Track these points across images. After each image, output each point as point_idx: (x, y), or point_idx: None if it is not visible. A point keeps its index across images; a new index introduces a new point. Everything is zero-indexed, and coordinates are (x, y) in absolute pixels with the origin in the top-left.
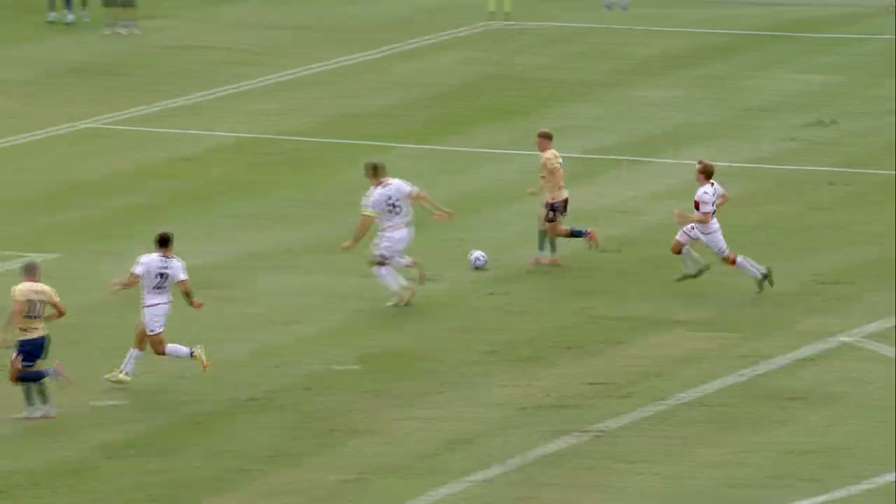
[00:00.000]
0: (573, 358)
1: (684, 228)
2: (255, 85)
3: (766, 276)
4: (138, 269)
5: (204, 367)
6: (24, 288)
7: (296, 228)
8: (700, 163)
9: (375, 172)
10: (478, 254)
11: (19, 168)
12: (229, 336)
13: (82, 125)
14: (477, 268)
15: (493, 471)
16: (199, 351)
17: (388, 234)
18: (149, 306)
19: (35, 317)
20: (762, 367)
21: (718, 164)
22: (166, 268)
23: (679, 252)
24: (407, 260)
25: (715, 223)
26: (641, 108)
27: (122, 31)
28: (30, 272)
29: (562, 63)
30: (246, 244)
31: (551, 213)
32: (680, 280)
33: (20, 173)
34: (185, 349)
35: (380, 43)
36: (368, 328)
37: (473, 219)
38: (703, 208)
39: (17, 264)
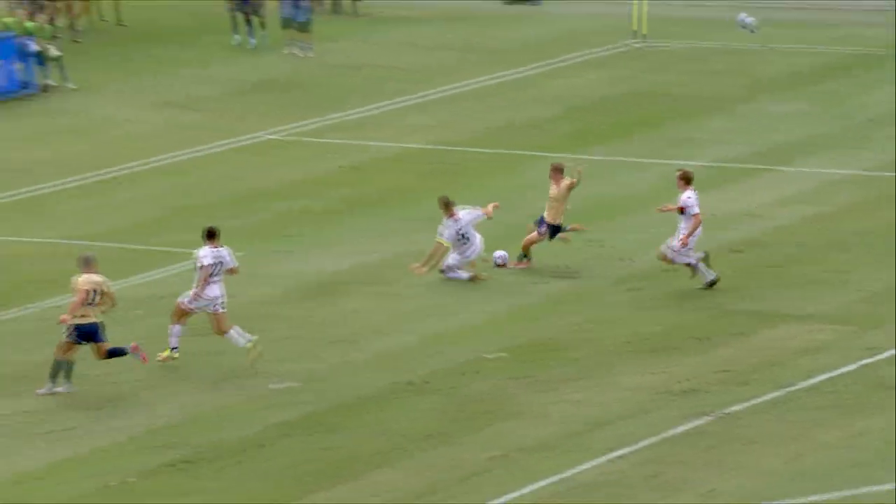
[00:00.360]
0: (702, 348)
1: (668, 244)
2: (416, 100)
3: (713, 283)
4: (205, 261)
5: (255, 356)
6: (84, 279)
7: None
8: (680, 170)
9: (447, 207)
10: (500, 253)
11: (207, 175)
12: (392, 327)
13: (262, 137)
14: (498, 265)
15: (629, 449)
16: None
17: (460, 255)
18: (197, 294)
19: (91, 304)
20: (875, 358)
21: (840, 173)
22: (220, 257)
23: (666, 261)
24: (468, 274)
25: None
26: (767, 121)
27: (299, 52)
28: (88, 264)
29: (695, 80)
30: (407, 245)
31: (543, 229)
32: (706, 287)
33: (208, 180)
34: (247, 338)
35: (530, 62)
36: (516, 321)
37: (611, 222)
38: (690, 211)
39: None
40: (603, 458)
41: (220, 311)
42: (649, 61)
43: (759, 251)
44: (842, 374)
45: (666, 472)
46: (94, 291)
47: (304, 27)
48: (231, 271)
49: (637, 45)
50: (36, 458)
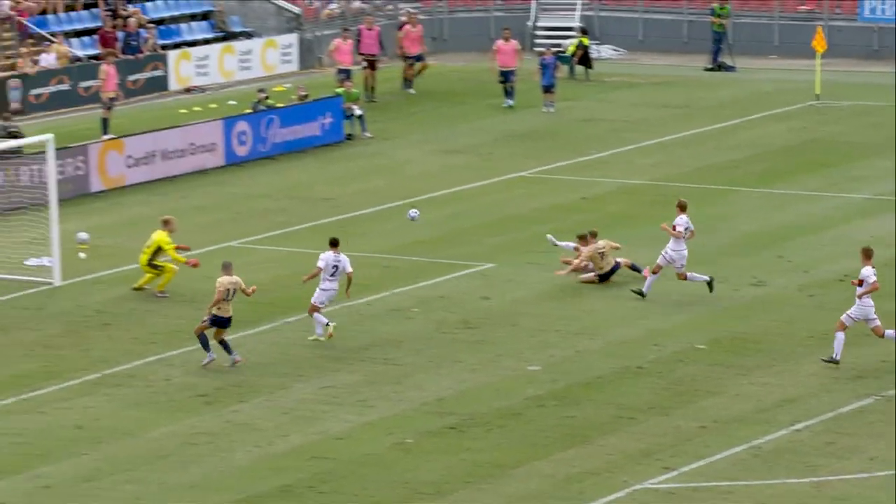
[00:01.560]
0: (868, 342)
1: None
2: (638, 146)
3: (709, 282)
4: (321, 263)
5: (329, 336)
6: (224, 280)
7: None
8: (679, 200)
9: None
10: (412, 212)
11: (477, 204)
12: (620, 323)
13: (518, 174)
14: (412, 219)
15: (807, 423)
16: (331, 327)
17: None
18: (323, 289)
19: (228, 300)
20: None
21: None
22: (339, 261)
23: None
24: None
25: (683, 245)
26: None
27: (551, 109)
28: (227, 268)
29: (861, 130)
30: (634, 259)
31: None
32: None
33: (477, 208)
34: (324, 319)
35: (728, 117)
36: (719, 320)
37: (792, 241)
38: (678, 229)
39: (469, 272)
40: (786, 430)
41: (326, 301)
42: (825, 116)
43: None
44: None
45: (837, 442)
46: (231, 290)
47: (549, 90)
48: (348, 276)
49: (815, 104)
50: (342, 423)
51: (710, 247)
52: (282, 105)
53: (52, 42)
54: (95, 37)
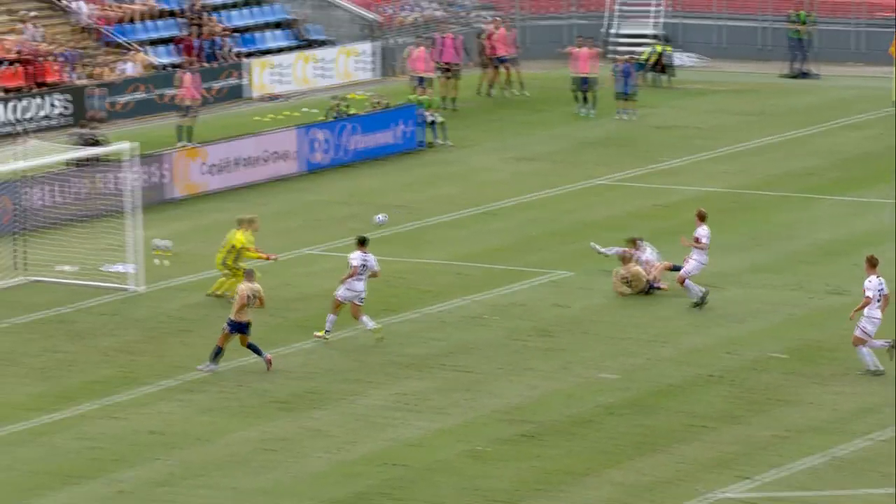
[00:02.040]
0: None
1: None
2: (715, 154)
3: (704, 297)
4: (354, 262)
5: (379, 336)
6: (244, 287)
7: (742, 255)
8: (698, 210)
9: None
10: (379, 216)
11: (554, 211)
12: (694, 330)
13: (594, 182)
14: (379, 223)
15: (886, 432)
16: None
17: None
18: (348, 288)
19: (247, 306)
20: None
21: None
22: (366, 260)
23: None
24: None
25: (706, 256)
26: None
27: (626, 117)
28: (249, 276)
29: None
30: (709, 265)
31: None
32: (694, 306)
33: (554, 215)
34: (372, 324)
35: (805, 124)
36: (794, 327)
37: (869, 250)
38: (702, 241)
39: (542, 280)
40: (862, 439)
41: (359, 303)
42: None
43: None
44: None
45: None
46: (252, 296)
47: (629, 97)
48: (374, 274)
49: (891, 111)
50: (414, 430)
51: (786, 254)
52: (358, 112)
53: (133, 51)
54: (175, 45)
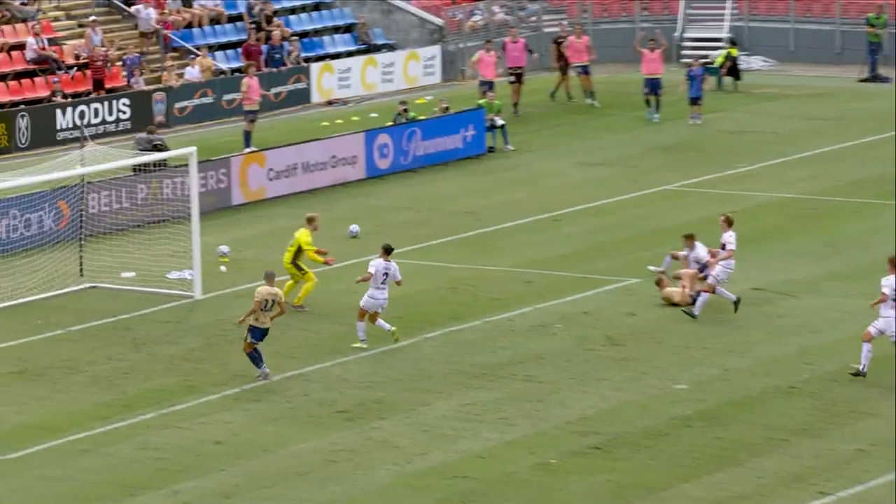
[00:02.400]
0: None
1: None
2: (789, 159)
3: (736, 302)
4: (371, 269)
5: (395, 338)
6: (263, 290)
7: (819, 263)
8: (724, 215)
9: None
10: (353, 227)
11: (621, 218)
12: (771, 340)
13: (665, 188)
14: (353, 236)
15: None
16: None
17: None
18: (370, 296)
19: (266, 310)
20: None
21: None
22: (388, 269)
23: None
24: None
25: (732, 263)
26: None
27: (695, 121)
28: (269, 279)
29: None
30: (784, 273)
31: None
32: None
33: (622, 221)
34: (388, 326)
35: (880, 129)
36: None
37: None
38: (729, 247)
39: (613, 287)
40: None
41: (380, 311)
42: None
43: None
44: None
45: None
46: (269, 301)
47: (696, 101)
48: (397, 283)
49: None
50: (483, 442)
51: (864, 262)
52: (424, 117)
53: (197, 55)
54: (239, 50)
